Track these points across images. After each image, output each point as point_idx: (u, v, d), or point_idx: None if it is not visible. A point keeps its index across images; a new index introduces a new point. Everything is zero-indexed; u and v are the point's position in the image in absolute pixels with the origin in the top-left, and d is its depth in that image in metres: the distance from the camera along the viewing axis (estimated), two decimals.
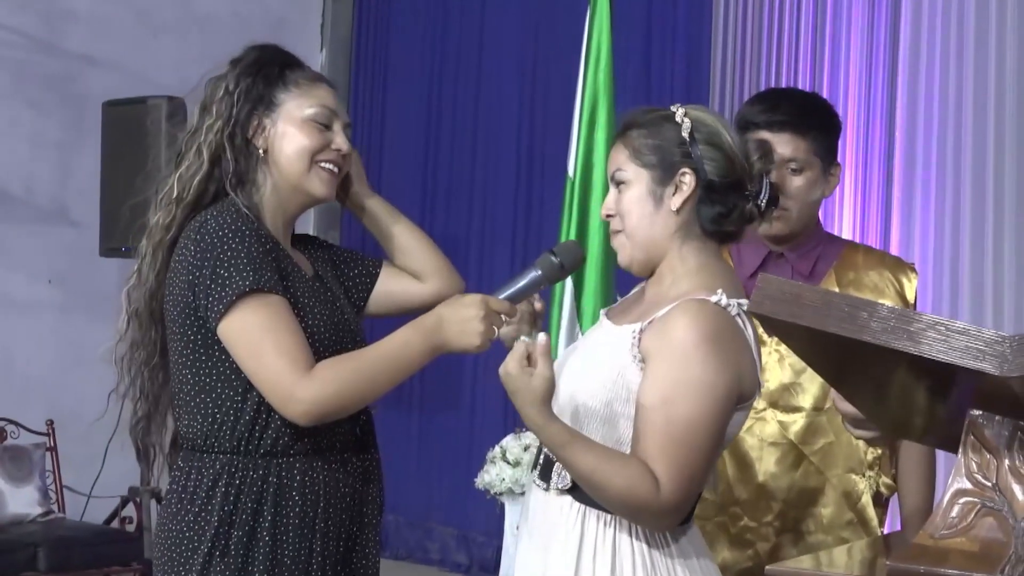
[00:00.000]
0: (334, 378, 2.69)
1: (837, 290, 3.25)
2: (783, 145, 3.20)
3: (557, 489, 2.65)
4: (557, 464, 2.64)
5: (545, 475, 2.68)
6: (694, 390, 2.50)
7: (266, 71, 2.85)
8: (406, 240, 3.10)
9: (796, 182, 3.23)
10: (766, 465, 3.27)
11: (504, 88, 8.00)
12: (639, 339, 2.58)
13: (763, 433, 3.26)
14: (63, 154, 7.50)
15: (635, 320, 2.63)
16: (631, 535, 2.60)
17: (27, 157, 7.39)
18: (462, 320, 2.72)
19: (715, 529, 3.26)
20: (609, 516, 2.60)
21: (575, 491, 2.62)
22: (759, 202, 2.70)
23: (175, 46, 7.67)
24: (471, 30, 8.19)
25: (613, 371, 2.60)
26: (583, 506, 2.62)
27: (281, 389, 2.68)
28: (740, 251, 3.30)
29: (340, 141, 2.87)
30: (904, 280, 3.34)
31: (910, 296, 3.33)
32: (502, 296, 2.78)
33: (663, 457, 2.49)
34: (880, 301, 3.03)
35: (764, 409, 3.24)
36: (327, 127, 2.86)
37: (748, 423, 3.24)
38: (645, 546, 2.61)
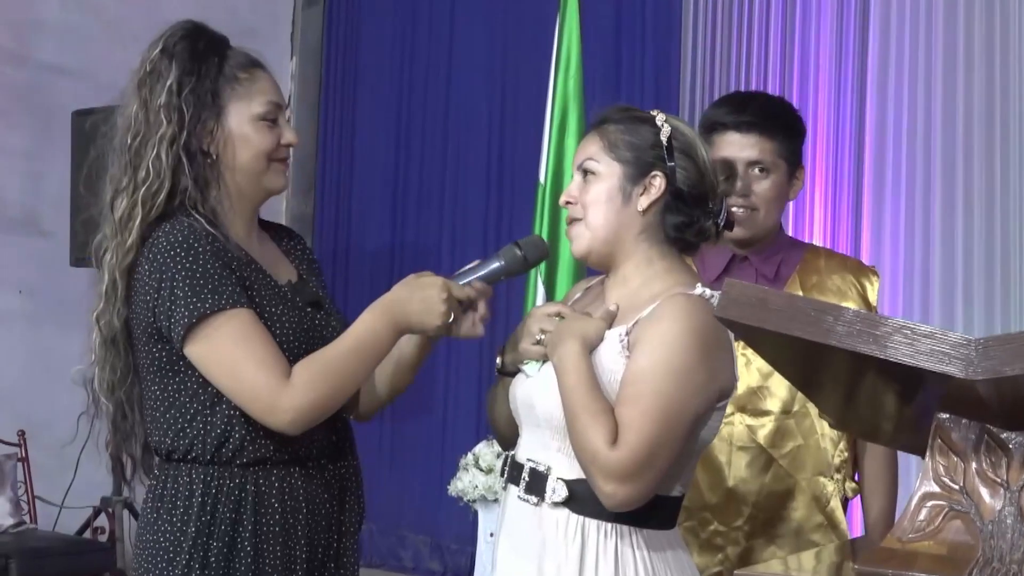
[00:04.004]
0: (312, 382, 2.67)
1: (801, 294, 3.26)
2: (750, 147, 3.22)
3: (552, 503, 2.63)
4: (550, 478, 2.63)
5: (535, 490, 2.65)
6: (672, 373, 2.51)
7: (205, 67, 2.78)
8: (399, 381, 3.01)
9: (763, 184, 3.24)
10: (736, 470, 3.28)
11: (474, 94, 8.00)
12: (627, 341, 2.59)
13: (732, 437, 3.27)
14: (33, 164, 7.47)
15: (613, 326, 2.64)
16: (632, 544, 2.59)
17: None
18: (424, 299, 2.72)
19: (685, 534, 3.26)
20: (610, 526, 2.59)
21: (571, 503, 2.61)
22: (718, 221, 2.71)
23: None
24: (441, 38, 8.19)
25: (602, 381, 2.59)
26: (582, 517, 2.60)
27: (262, 402, 2.65)
28: (703, 254, 3.31)
29: (289, 135, 2.86)
30: (867, 283, 3.36)
31: (872, 299, 3.35)
32: (462, 282, 2.79)
33: (625, 425, 2.49)
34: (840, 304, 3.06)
35: (732, 413, 3.25)
36: (274, 121, 2.83)
37: None
38: (647, 553, 2.60)
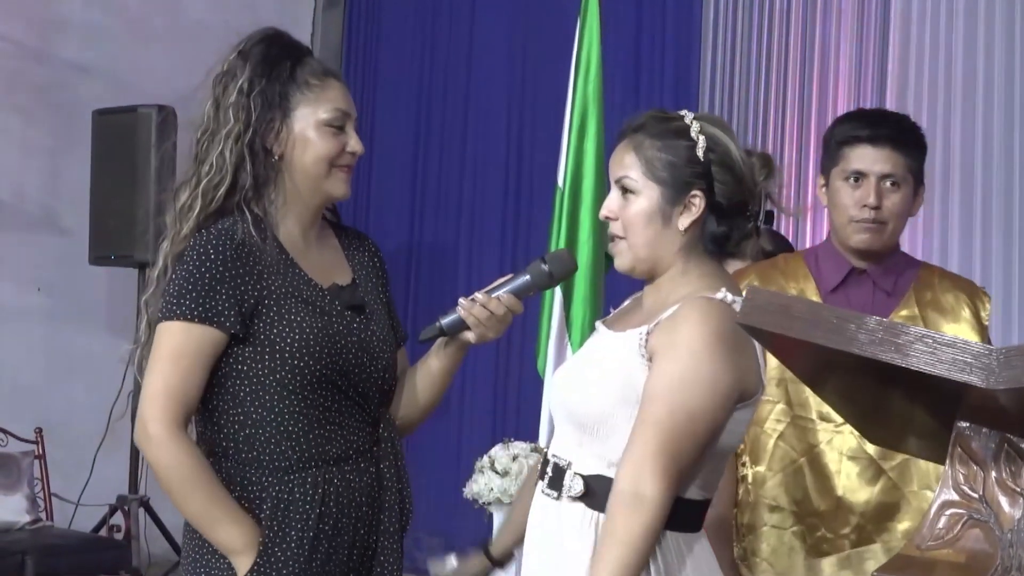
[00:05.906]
0: (171, 460, 2.70)
1: (917, 310, 3.29)
2: (883, 161, 3.24)
3: (569, 497, 2.66)
4: (568, 472, 2.66)
5: (556, 484, 2.68)
6: (699, 385, 2.53)
7: (277, 71, 2.84)
8: (434, 390, 3.05)
9: (893, 198, 3.26)
10: (845, 479, 3.28)
11: (494, 96, 8.00)
12: (646, 340, 2.59)
13: (842, 447, 3.27)
14: (53, 162, 7.50)
15: (639, 325, 2.65)
16: None
17: (17, 165, 7.39)
18: None
19: (793, 538, 3.29)
20: None
21: (586, 497, 2.64)
22: (757, 223, 2.72)
23: (166, 55, 7.67)
24: (460, 39, 8.20)
25: (620, 377, 2.61)
26: (596, 512, 2.63)
27: (144, 414, 2.71)
28: (820, 266, 3.34)
29: (354, 143, 2.89)
30: (979, 304, 3.36)
31: (985, 319, 3.35)
32: (494, 295, 2.84)
33: (655, 447, 2.50)
34: (954, 323, 3.09)
35: (843, 423, 3.24)
36: (341, 128, 2.87)
37: (827, 436, 3.28)
38: (656, 548, 2.60)
